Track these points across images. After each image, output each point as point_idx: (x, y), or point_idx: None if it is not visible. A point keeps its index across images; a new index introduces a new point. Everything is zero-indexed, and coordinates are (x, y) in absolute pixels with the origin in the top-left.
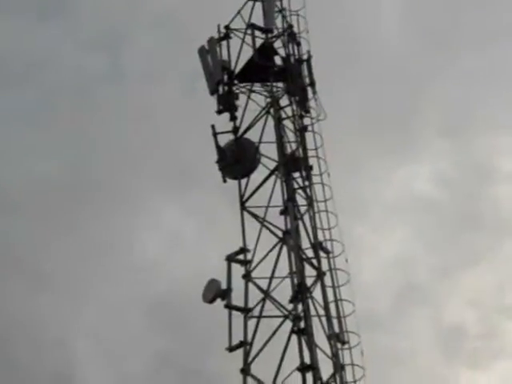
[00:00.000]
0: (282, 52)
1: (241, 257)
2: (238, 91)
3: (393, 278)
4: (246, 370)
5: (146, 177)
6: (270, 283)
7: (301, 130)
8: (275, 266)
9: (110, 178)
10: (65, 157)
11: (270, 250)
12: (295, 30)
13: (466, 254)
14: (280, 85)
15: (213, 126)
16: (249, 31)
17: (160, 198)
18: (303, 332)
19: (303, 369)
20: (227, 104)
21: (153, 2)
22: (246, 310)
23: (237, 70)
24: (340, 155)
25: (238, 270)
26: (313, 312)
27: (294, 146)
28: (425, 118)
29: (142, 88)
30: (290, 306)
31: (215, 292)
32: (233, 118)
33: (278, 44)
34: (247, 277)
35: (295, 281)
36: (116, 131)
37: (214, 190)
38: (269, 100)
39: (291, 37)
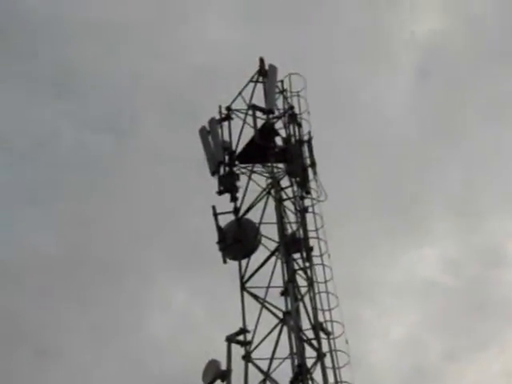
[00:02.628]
0: (282, 133)
1: (241, 337)
2: (238, 172)
3: (400, 361)
4: None
5: (155, 255)
6: (270, 364)
7: (301, 211)
8: (275, 347)
9: (118, 256)
10: (71, 234)
11: (271, 331)
12: (296, 110)
13: (474, 339)
14: (281, 166)
15: (213, 207)
16: (250, 112)
17: (169, 277)
18: None
19: None
20: (228, 185)
21: (157, 82)
22: None
23: (238, 151)
24: (345, 238)
25: (238, 351)
26: None
27: (294, 226)
28: (431, 200)
29: (149, 167)
30: None
31: (215, 373)
32: (234, 199)
33: (279, 125)
34: (247, 357)
35: (295, 362)
36: (123, 211)
37: (221, 270)
38: (269, 181)
39: (292, 118)
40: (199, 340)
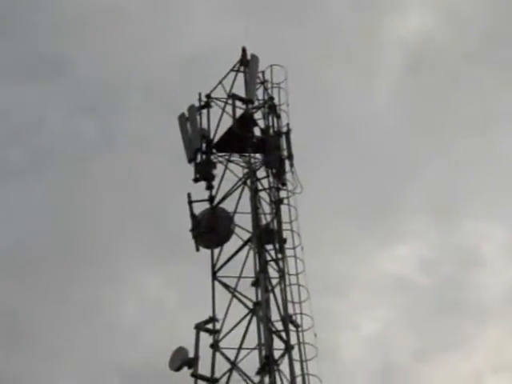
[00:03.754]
0: (261, 123)
1: (210, 326)
2: (215, 160)
3: (371, 357)
4: None
5: (130, 242)
6: (237, 354)
7: (276, 203)
8: (244, 337)
9: (95, 242)
10: (54, 220)
11: (240, 321)
12: (276, 102)
13: (445, 339)
14: (258, 156)
15: (189, 195)
16: (230, 101)
17: (143, 264)
18: None
19: None
20: (204, 173)
21: (142, 69)
22: (212, 380)
23: (216, 139)
24: (321, 232)
25: (206, 339)
26: None
27: (268, 217)
28: (409, 199)
29: (130, 155)
30: (257, 378)
31: (182, 360)
32: (209, 187)
33: (258, 115)
34: (215, 346)
35: (263, 353)
36: (103, 198)
37: (195, 258)
38: (246, 171)
39: (271, 109)
40: (170, 328)
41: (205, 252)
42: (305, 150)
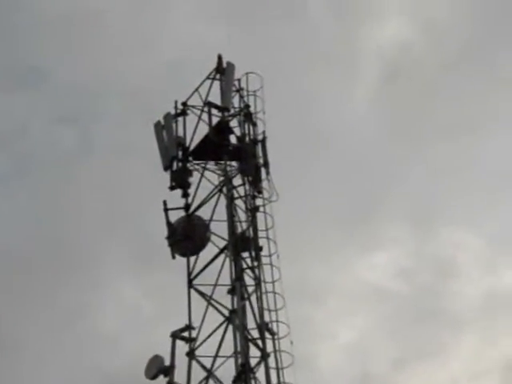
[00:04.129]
0: (237, 131)
1: (186, 334)
2: (191, 168)
3: (348, 366)
4: None
5: (112, 248)
6: (213, 362)
7: (252, 210)
8: (220, 345)
9: (79, 249)
10: (36, 227)
11: (216, 329)
12: (252, 110)
13: (422, 348)
14: (234, 164)
15: (164, 202)
16: (205, 109)
17: (121, 271)
18: None
19: None
20: (180, 180)
21: (120, 77)
22: None
23: (192, 147)
24: (298, 240)
25: (182, 348)
26: None
27: (244, 225)
28: (387, 207)
29: (110, 163)
30: None
31: (158, 368)
32: (185, 195)
33: (234, 123)
34: (191, 354)
35: (239, 361)
36: (86, 205)
37: (171, 266)
38: (222, 179)
39: (247, 117)
40: (147, 336)
41: (181, 260)
42: (283, 157)
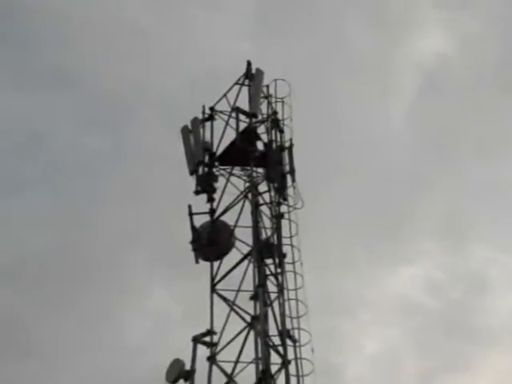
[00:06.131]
0: (264, 137)
1: (207, 339)
2: (217, 173)
3: (375, 376)
4: None
5: (139, 253)
6: (234, 367)
7: (277, 217)
8: (241, 351)
9: (106, 255)
10: (62, 231)
11: (237, 335)
12: (279, 116)
13: (449, 362)
14: (260, 170)
15: (189, 206)
16: (233, 114)
17: (149, 276)
18: None
19: None
20: (206, 185)
21: (151, 85)
22: None
23: (218, 152)
24: (327, 249)
25: (204, 352)
26: None
27: (269, 232)
28: (418, 221)
29: (138, 168)
30: None
31: (178, 372)
32: (210, 200)
33: (261, 129)
34: (212, 359)
35: (260, 367)
36: (115, 211)
37: (195, 271)
38: (247, 185)
39: (275, 123)
40: (172, 341)
41: (207, 264)
42: (309, 166)
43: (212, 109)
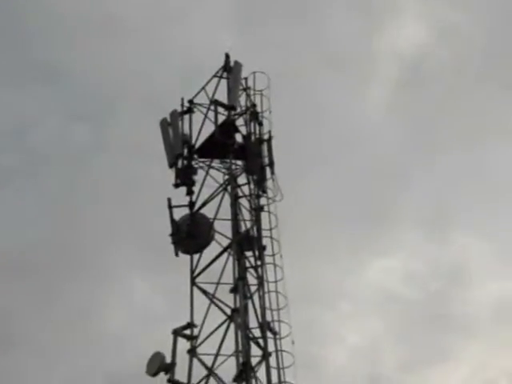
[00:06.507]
0: (243, 130)
1: (187, 332)
2: (196, 166)
3: (356, 368)
4: None
5: (121, 246)
6: (214, 360)
7: (256, 210)
8: (221, 344)
9: (89, 248)
10: (46, 224)
11: (218, 327)
12: (258, 109)
13: (431, 352)
14: (239, 163)
15: (169, 199)
16: (212, 107)
17: (131, 269)
18: None
19: None
20: (185, 178)
21: (134, 78)
22: None
23: (197, 145)
24: (307, 241)
25: (184, 345)
26: None
27: (248, 224)
28: (400, 212)
29: (120, 161)
30: None
31: (159, 365)
32: (189, 193)
33: (240, 122)
34: (192, 352)
35: (240, 359)
36: (98, 204)
37: (174, 263)
38: (227, 177)
39: (253, 116)
40: (154, 333)
41: (187, 257)
42: (289, 157)
43: (191, 101)
